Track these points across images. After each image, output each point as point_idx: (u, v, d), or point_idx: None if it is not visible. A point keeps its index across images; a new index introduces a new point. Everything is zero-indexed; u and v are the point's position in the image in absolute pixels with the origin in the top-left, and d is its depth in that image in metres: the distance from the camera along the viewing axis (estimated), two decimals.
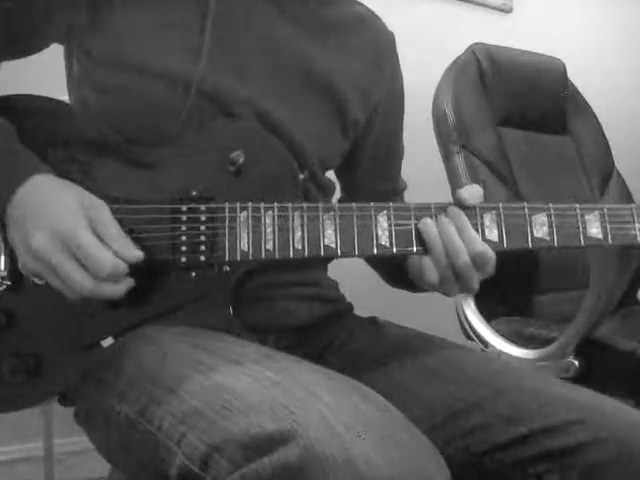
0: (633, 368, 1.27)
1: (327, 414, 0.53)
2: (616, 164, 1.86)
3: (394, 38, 1.00)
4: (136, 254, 0.69)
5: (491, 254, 0.74)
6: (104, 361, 0.72)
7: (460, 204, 0.76)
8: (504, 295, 1.50)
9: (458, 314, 1.53)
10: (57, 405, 0.80)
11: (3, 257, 0.73)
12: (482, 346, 1.47)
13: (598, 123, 1.86)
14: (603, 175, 1.83)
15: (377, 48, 0.96)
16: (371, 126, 0.96)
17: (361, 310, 0.97)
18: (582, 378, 1.27)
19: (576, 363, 1.27)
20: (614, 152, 1.87)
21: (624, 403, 1.31)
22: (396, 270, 0.88)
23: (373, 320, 0.94)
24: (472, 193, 0.76)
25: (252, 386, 0.58)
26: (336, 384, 0.58)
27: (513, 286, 1.49)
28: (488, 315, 1.51)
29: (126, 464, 0.72)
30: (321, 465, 0.49)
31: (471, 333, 1.50)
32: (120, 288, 0.68)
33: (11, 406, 0.73)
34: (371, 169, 0.99)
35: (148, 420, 0.62)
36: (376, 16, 0.99)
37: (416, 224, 0.75)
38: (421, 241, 0.75)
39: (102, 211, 0.69)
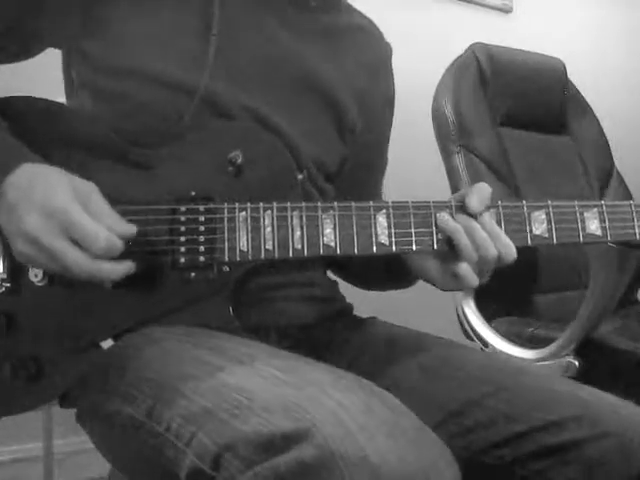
0: (633, 368, 1.27)
1: (340, 412, 0.53)
2: (616, 164, 1.86)
3: (391, 50, 0.99)
4: (129, 228, 0.68)
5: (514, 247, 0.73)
6: (105, 363, 0.71)
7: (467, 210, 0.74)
8: (504, 295, 1.49)
9: (458, 314, 1.53)
10: (57, 405, 0.79)
11: (2, 259, 0.72)
12: (482, 346, 1.47)
13: (598, 123, 1.86)
14: (603, 175, 1.83)
15: (375, 58, 0.96)
16: (356, 136, 0.94)
17: (361, 310, 0.97)
18: (582, 378, 1.26)
19: (576, 363, 1.27)
20: (614, 152, 1.86)
21: None
22: (389, 265, 0.87)
23: (373, 320, 0.94)
24: (481, 197, 0.74)
25: (262, 385, 0.57)
26: (346, 382, 0.58)
27: (513, 286, 1.49)
28: (488, 315, 1.51)
29: (131, 465, 0.72)
30: (337, 464, 0.49)
31: (471, 333, 1.50)
32: (119, 268, 0.67)
33: (11, 409, 0.73)
34: (348, 181, 0.94)
35: (156, 421, 0.62)
36: (375, 27, 0.99)
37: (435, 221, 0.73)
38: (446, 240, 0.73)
39: (92, 192, 0.68)
